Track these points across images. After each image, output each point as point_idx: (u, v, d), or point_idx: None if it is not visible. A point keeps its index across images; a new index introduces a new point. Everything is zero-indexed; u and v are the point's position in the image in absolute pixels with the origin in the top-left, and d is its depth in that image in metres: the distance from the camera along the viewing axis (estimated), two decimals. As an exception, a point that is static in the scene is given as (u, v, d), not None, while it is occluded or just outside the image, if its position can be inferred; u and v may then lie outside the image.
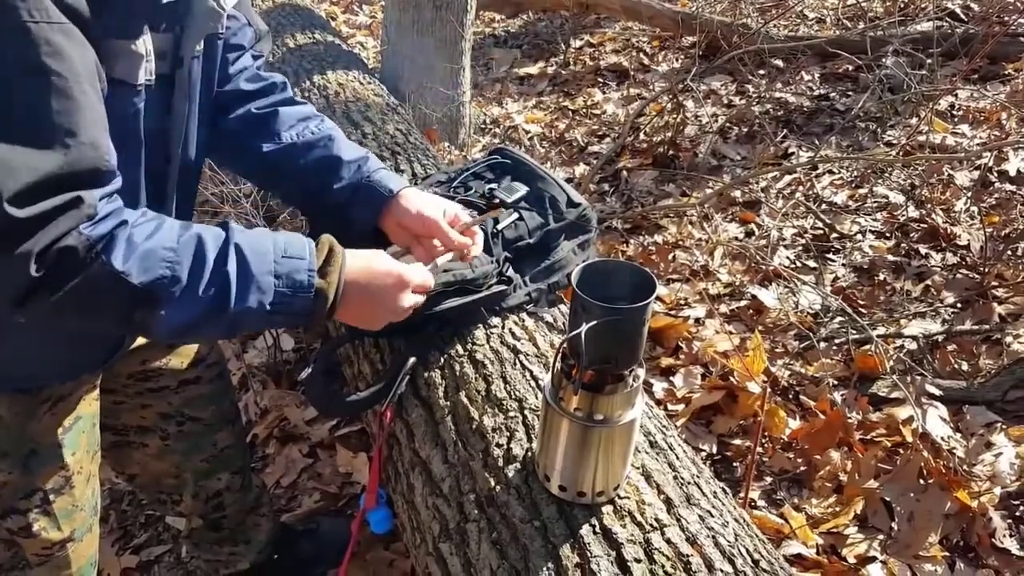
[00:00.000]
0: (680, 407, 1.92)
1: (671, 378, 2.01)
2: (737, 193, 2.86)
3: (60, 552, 1.08)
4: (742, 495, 1.60)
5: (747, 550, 1.03)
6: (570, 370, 0.96)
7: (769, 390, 1.78)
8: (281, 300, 0.86)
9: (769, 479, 1.77)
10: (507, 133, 3.42)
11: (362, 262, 0.95)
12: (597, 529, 1.02)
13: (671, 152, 3.17)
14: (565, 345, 0.96)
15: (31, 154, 0.68)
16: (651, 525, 1.02)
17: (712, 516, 1.07)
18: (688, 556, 0.98)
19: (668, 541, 1.00)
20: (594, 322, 0.86)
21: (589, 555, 0.98)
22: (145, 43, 0.84)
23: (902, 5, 3.86)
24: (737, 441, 1.85)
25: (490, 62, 4.31)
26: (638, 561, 0.97)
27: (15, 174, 0.67)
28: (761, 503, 1.71)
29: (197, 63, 0.96)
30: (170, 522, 1.77)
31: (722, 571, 0.97)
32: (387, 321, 1.01)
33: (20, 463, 1.00)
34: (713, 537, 1.02)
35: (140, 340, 1.16)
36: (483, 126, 3.54)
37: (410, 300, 1.00)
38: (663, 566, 0.96)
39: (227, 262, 0.82)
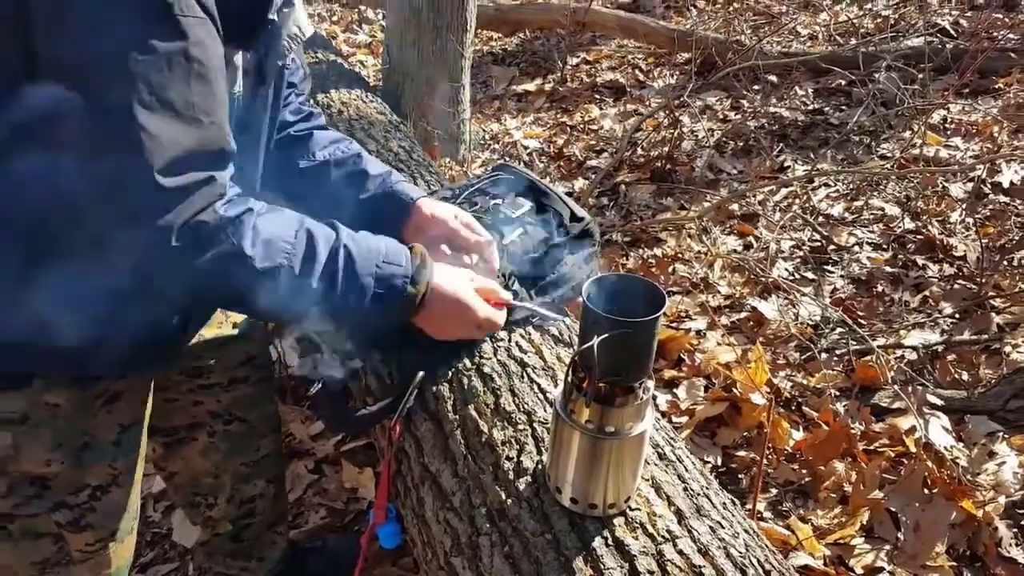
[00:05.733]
0: (684, 419, 1.93)
1: (674, 390, 2.02)
2: (735, 206, 2.89)
3: (102, 550, 1.09)
4: (749, 507, 1.61)
5: (758, 561, 1.03)
6: (581, 383, 0.97)
7: (772, 401, 1.79)
8: (376, 299, 0.97)
9: (775, 491, 1.77)
10: (507, 149, 3.45)
11: (449, 277, 1.07)
12: (610, 541, 1.02)
13: (668, 166, 3.20)
14: (576, 358, 0.97)
15: (176, 129, 0.77)
16: (663, 537, 1.03)
17: (723, 527, 1.07)
18: (700, 567, 0.99)
19: (680, 552, 1.01)
20: (605, 335, 0.87)
21: (602, 568, 0.99)
22: (241, 58, 0.94)
23: (893, 21, 3.92)
24: (741, 453, 1.86)
25: (489, 80, 4.35)
26: (651, 573, 0.98)
27: (164, 148, 0.76)
28: (767, 514, 1.71)
29: (271, 87, 1.05)
30: (176, 539, 1.77)
31: (734, 581, 0.98)
32: (458, 335, 1.16)
33: (73, 455, 1.02)
34: (724, 548, 1.03)
35: (195, 339, 1.21)
36: (483, 142, 3.57)
37: (487, 312, 1.12)
38: (676, 577, 0.97)
39: (336, 261, 0.93)
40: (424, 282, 1.03)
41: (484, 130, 3.67)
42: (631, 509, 1.06)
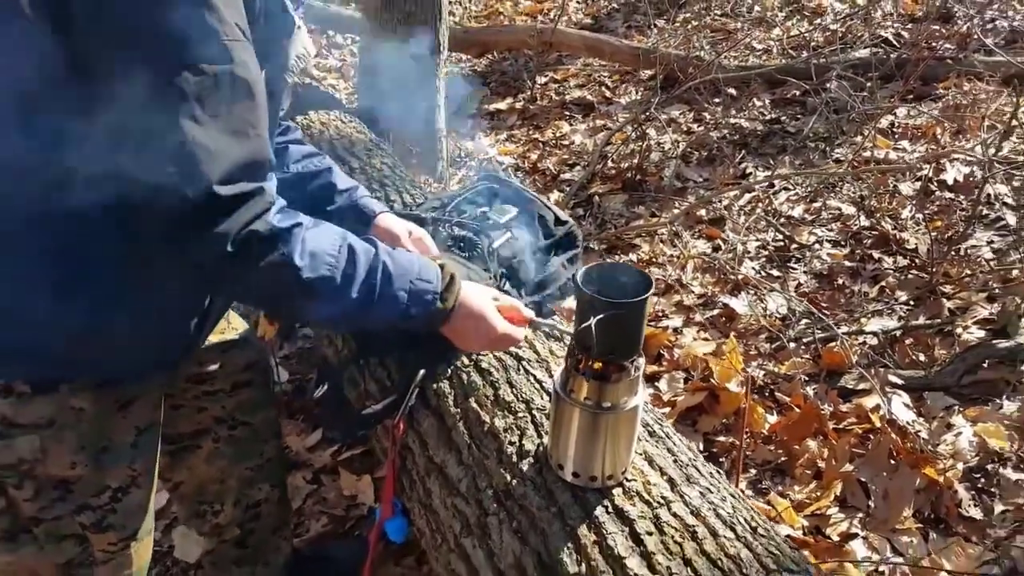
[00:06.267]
0: (666, 410, 2.04)
1: (656, 383, 2.13)
2: (702, 212, 3.04)
3: (124, 550, 1.14)
4: (732, 485, 1.71)
5: (745, 520, 1.14)
6: (579, 364, 1.08)
7: (748, 389, 1.91)
8: (407, 312, 1.06)
9: (754, 471, 1.89)
10: (482, 165, 3.56)
11: (475, 294, 1.16)
12: (610, 509, 1.12)
13: (638, 177, 3.35)
14: (572, 341, 1.08)
15: (229, 143, 0.85)
16: (658, 502, 1.13)
17: (711, 492, 1.18)
18: (694, 527, 1.09)
19: (675, 515, 1.11)
20: (601, 315, 0.98)
21: (605, 532, 1.08)
22: None
23: (841, 35, 4.14)
24: (721, 438, 1.97)
25: (460, 100, 4.46)
26: (650, 534, 1.08)
27: (219, 160, 0.83)
28: (748, 492, 1.82)
29: (279, 103, 1.14)
30: (179, 556, 1.80)
31: (725, 537, 1.08)
32: (481, 347, 1.27)
33: (94, 458, 1.06)
34: (714, 510, 1.13)
35: (210, 340, 1.27)
36: (458, 159, 3.68)
37: (505, 327, 1.19)
38: (672, 536, 1.07)
39: (375, 276, 1.02)
40: (452, 299, 1.12)
41: (459, 148, 3.79)
42: (627, 480, 1.16)
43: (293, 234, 0.94)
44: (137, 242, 0.88)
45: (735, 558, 1.04)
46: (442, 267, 1.13)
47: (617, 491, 1.14)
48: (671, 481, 1.17)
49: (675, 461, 1.23)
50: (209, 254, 0.87)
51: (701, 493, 1.16)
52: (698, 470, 1.23)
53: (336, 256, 0.99)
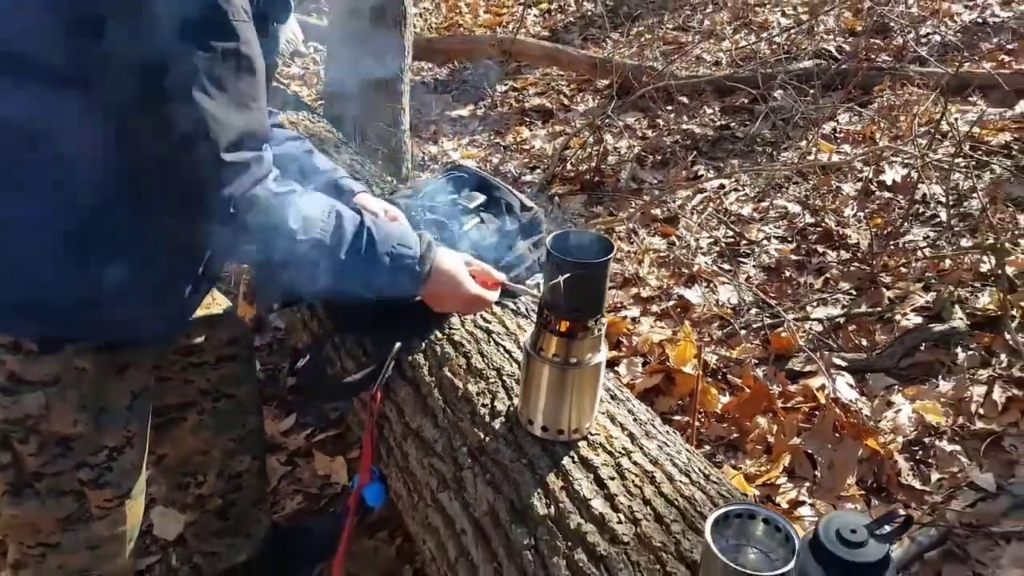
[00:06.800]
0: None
1: (616, 368, 2.23)
2: (657, 211, 3.17)
3: (119, 507, 1.19)
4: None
5: (699, 468, 1.24)
6: (547, 322, 1.17)
7: (701, 371, 2.02)
8: (390, 274, 1.15)
9: (708, 447, 2.00)
10: (446, 167, 3.64)
11: (450, 259, 1.26)
12: (576, 459, 1.21)
13: (596, 179, 3.48)
14: (541, 302, 1.17)
15: (234, 114, 0.92)
16: (619, 452, 1.22)
17: (668, 446, 1.28)
18: (652, 473, 1.19)
19: (635, 463, 1.20)
20: (568, 274, 1.07)
21: (572, 479, 1.17)
22: None
23: (786, 47, 4.37)
24: (677, 417, 2.08)
25: (423, 106, 4.55)
26: (612, 479, 1.17)
27: (226, 130, 0.91)
28: (704, 464, 1.93)
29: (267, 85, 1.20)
30: (158, 534, 1.83)
31: (681, 482, 1.18)
32: (455, 308, 1.36)
33: (94, 418, 1.12)
34: (671, 459, 1.23)
35: (196, 314, 1.32)
36: (422, 163, 3.76)
37: (477, 290, 1.29)
38: (633, 481, 1.16)
39: (361, 240, 1.11)
40: (429, 263, 1.21)
41: (423, 151, 3.87)
42: (591, 434, 1.25)
43: (288, 199, 1.02)
44: (148, 205, 0.95)
45: (690, 499, 1.14)
46: (420, 235, 1.22)
47: (582, 444, 1.23)
48: (631, 435, 1.27)
49: (635, 419, 1.33)
50: (216, 213, 0.94)
51: (659, 446, 1.26)
52: (655, 427, 1.33)
53: (326, 220, 1.07)
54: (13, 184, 0.98)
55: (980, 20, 4.43)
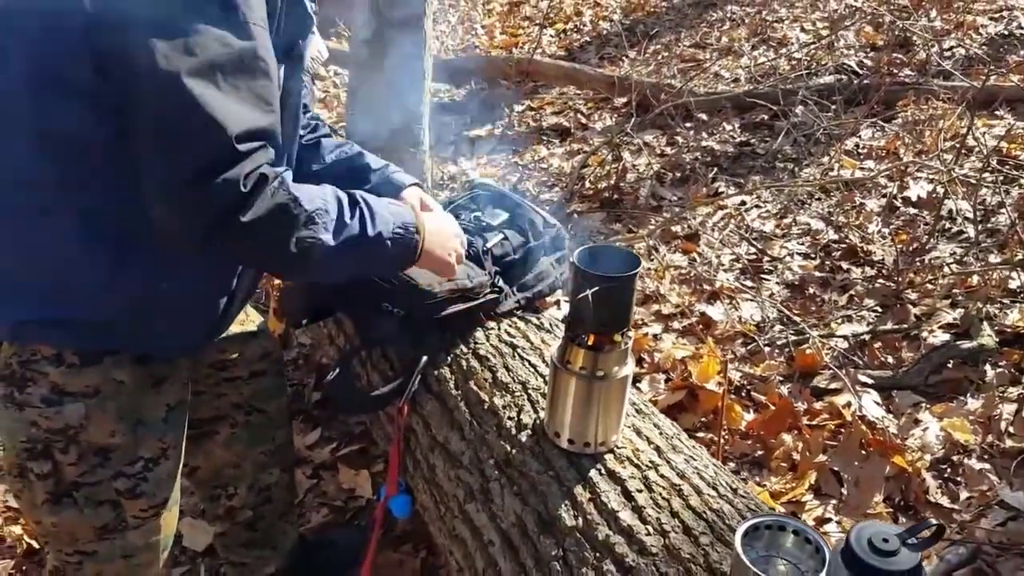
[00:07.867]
0: (650, 408, 2.14)
1: (638, 385, 2.23)
2: (678, 228, 3.18)
3: (154, 517, 1.21)
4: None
5: (726, 482, 1.24)
6: (575, 336, 1.18)
7: (726, 387, 2.02)
8: (394, 237, 1.18)
9: (733, 464, 1.99)
10: (466, 185, 3.68)
11: (431, 219, 1.35)
12: (603, 471, 1.21)
13: (615, 196, 3.49)
14: (569, 316, 1.18)
15: (246, 111, 0.96)
16: (647, 465, 1.22)
17: (695, 460, 1.28)
18: (679, 485, 1.19)
19: (662, 476, 1.21)
20: (596, 288, 1.08)
21: (599, 491, 1.18)
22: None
23: (806, 63, 4.38)
24: (701, 434, 2.07)
25: (441, 126, 4.61)
26: (640, 491, 1.17)
27: (239, 122, 0.95)
28: (729, 481, 1.92)
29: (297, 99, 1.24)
30: (187, 544, 1.85)
31: (709, 495, 1.18)
32: (445, 258, 1.35)
33: (131, 429, 1.15)
34: (698, 472, 1.23)
35: (231, 330, 1.35)
36: (441, 182, 3.80)
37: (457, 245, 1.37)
38: (660, 493, 1.17)
39: (357, 208, 1.13)
40: (421, 227, 1.27)
41: (442, 171, 3.91)
42: (618, 447, 1.25)
43: (290, 182, 1.05)
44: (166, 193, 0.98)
45: (718, 512, 1.14)
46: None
47: (609, 457, 1.24)
48: (658, 449, 1.27)
49: (661, 433, 1.33)
50: (226, 196, 0.96)
51: (686, 460, 1.26)
52: (681, 441, 1.34)
53: (324, 195, 1.10)
54: (53, 198, 1.01)
55: (1006, 32, 4.40)
